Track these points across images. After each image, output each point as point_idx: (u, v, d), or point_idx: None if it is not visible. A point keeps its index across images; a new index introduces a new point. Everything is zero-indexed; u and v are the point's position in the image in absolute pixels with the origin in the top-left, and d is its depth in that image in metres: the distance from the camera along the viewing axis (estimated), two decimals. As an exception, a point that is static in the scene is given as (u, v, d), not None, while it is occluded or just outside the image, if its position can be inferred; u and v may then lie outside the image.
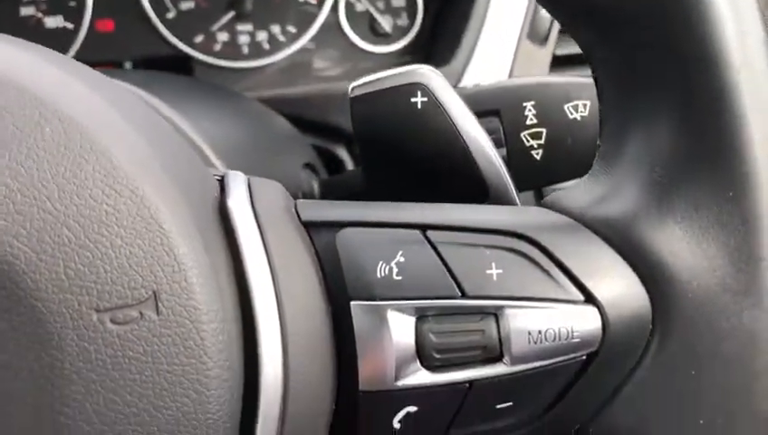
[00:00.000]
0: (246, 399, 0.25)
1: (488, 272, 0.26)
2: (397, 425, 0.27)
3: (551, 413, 0.27)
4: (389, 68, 0.84)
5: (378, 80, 0.33)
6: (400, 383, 0.26)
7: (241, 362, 0.24)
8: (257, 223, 0.26)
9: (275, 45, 0.75)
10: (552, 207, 0.28)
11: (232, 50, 0.75)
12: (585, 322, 0.26)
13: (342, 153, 0.65)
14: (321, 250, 0.27)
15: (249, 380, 0.25)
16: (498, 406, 0.26)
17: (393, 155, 0.33)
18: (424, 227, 0.27)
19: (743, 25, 0.25)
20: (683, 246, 0.25)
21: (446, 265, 0.26)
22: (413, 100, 0.32)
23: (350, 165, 0.65)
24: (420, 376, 0.26)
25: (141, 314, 0.23)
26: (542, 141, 0.39)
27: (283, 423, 0.25)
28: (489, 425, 0.27)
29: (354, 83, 0.33)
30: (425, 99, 0.32)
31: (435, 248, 0.26)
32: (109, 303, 0.22)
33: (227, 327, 0.24)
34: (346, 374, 0.26)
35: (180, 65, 0.72)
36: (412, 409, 0.26)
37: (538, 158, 0.39)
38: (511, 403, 0.26)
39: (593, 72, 0.29)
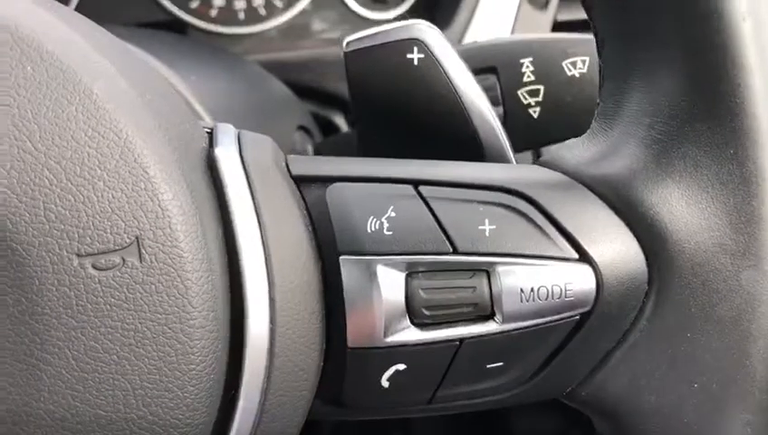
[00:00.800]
0: (232, 351, 0.24)
1: (481, 228, 0.25)
2: (385, 383, 0.26)
3: (541, 374, 0.26)
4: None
5: (374, 35, 0.32)
6: (389, 340, 0.25)
7: (227, 313, 0.24)
8: (245, 174, 0.25)
9: (271, 11, 0.74)
10: (548, 165, 0.28)
11: (228, 15, 0.73)
12: (579, 280, 0.25)
13: (338, 119, 0.64)
14: (311, 205, 0.27)
15: (235, 332, 0.24)
16: (488, 365, 0.26)
17: (387, 112, 0.33)
18: (416, 183, 0.26)
19: None
20: (681, 205, 0.25)
21: (437, 220, 0.25)
22: (409, 56, 0.32)
23: (345, 130, 0.64)
24: (409, 333, 0.25)
25: (124, 259, 0.22)
26: (539, 99, 0.38)
27: (269, 378, 0.24)
28: (479, 385, 0.26)
29: (349, 38, 0.32)
30: (421, 55, 0.32)
31: (427, 203, 0.26)
32: (90, 247, 0.22)
33: (213, 277, 0.23)
34: (334, 330, 0.26)
35: (176, 31, 0.71)
36: (401, 367, 0.26)
37: (535, 116, 0.38)
38: (501, 363, 0.26)
39: (594, 31, 0.28)
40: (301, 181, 0.27)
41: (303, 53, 0.68)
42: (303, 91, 0.64)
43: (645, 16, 0.25)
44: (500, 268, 0.25)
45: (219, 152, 0.25)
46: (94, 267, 0.22)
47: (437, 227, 0.25)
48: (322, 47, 0.72)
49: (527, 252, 0.25)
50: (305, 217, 0.26)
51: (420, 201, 0.26)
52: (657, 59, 0.25)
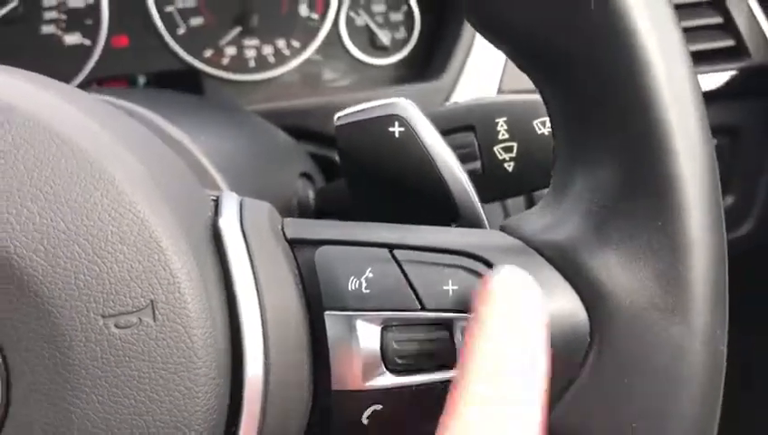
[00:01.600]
0: (232, 396, 0.28)
1: (445, 288, 0.29)
2: (365, 421, 0.30)
3: None
4: (390, 79, 0.86)
5: (361, 111, 0.37)
6: (367, 384, 0.29)
7: (228, 363, 0.28)
8: (245, 241, 0.30)
9: (280, 59, 0.79)
10: (507, 230, 0.32)
11: (239, 63, 0.78)
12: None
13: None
14: (303, 265, 0.31)
15: (235, 379, 0.28)
16: None
17: (373, 176, 0.37)
18: (391, 247, 0.30)
19: (670, 66, 0.28)
20: (618, 269, 0.29)
21: (408, 280, 0.29)
22: (391, 129, 0.36)
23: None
24: (385, 378, 0.29)
25: (140, 319, 0.26)
26: (513, 154, 0.42)
27: (264, 417, 0.29)
28: None
29: (339, 113, 0.37)
30: (402, 128, 0.36)
31: (400, 266, 0.30)
32: (113, 310, 0.26)
33: (215, 333, 0.28)
34: (321, 375, 0.30)
35: (191, 79, 0.75)
36: (378, 407, 0.30)
37: (510, 169, 0.42)
38: None
39: (548, 116, 0.32)
40: (294, 244, 0.31)
41: (310, 100, 0.73)
42: (307, 135, 0.69)
43: (585, 106, 0.29)
44: (459, 323, 0.29)
45: (222, 223, 0.30)
46: (116, 326, 0.26)
47: (408, 286, 0.29)
48: (330, 94, 0.77)
49: None
50: (296, 277, 0.31)
51: (395, 264, 0.30)
52: (599, 148, 0.29)
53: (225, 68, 0.78)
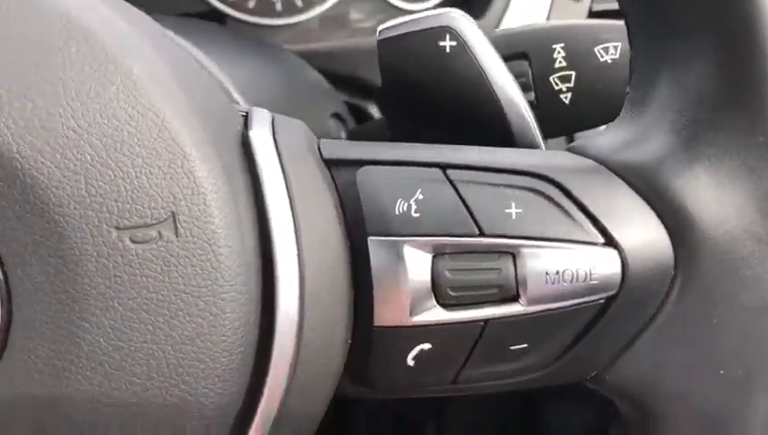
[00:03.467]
0: (262, 327, 0.25)
1: (507, 211, 0.26)
2: (411, 362, 0.27)
3: (565, 358, 0.27)
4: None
5: (407, 22, 0.33)
6: (415, 320, 0.26)
7: (258, 290, 0.25)
8: (278, 156, 0.26)
9: (309, 3, 0.75)
10: (577, 151, 0.28)
11: (266, 7, 0.74)
12: (604, 264, 0.25)
13: (372, 108, 0.64)
14: (342, 187, 0.27)
15: (265, 309, 0.25)
16: (512, 347, 0.26)
17: (418, 99, 0.33)
18: (444, 166, 0.27)
19: None
20: (709, 191, 0.25)
21: (464, 203, 0.26)
22: (441, 43, 0.32)
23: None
24: (435, 313, 0.26)
25: (160, 233, 0.23)
26: (571, 85, 0.38)
27: (298, 353, 0.25)
28: (503, 366, 0.27)
29: (382, 26, 0.33)
30: (453, 43, 0.32)
31: (454, 187, 0.26)
32: (128, 221, 0.23)
33: (245, 254, 0.24)
34: (362, 309, 0.26)
35: (215, 21, 0.72)
36: (426, 346, 0.26)
37: (567, 102, 0.38)
38: (525, 345, 0.26)
39: (625, 18, 0.28)
40: (332, 164, 0.28)
41: (339, 42, 0.69)
42: (338, 81, 0.65)
43: (676, 6, 0.25)
44: (525, 251, 0.25)
45: (253, 134, 0.26)
46: (132, 240, 0.23)
47: (464, 209, 0.26)
48: (358, 37, 0.72)
49: (553, 235, 0.25)
50: (335, 199, 0.27)
51: (448, 184, 0.26)
52: (688, 47, 0.25)
53: (251, 11, 0.74)
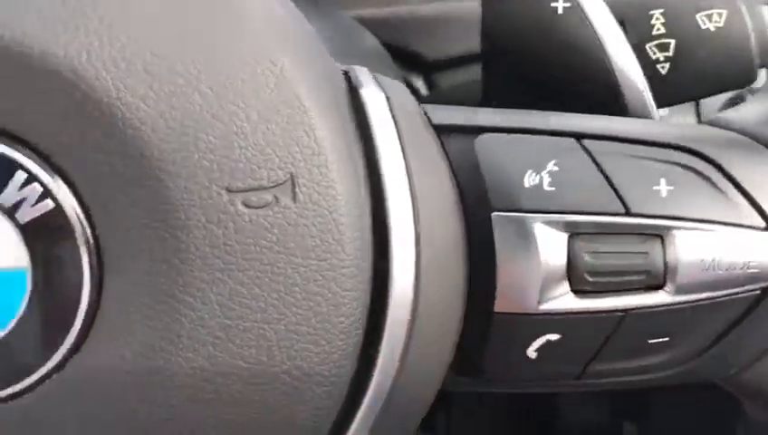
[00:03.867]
0: (373, 310, 0.22)
1: (656, 188, 0.23)
2: (532, 354, 0.24)
3: (708, 353, 0.24)
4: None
5: (515, -19, 0.30)
6: (544, 307, 0.23)
7: (372, 266, 0.22)
8: (393, 118, 0.23)
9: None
10: (722, 124, 0.25)
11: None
12: (764, 251, 0.22)
13: (418, 83, 0.61)
14: (455, 156, 0.24)
15: (378, 289, 0.22)
16: (651, 341, 0.23)
17: (524, 64, 0.30)
18: (579, 136, 0.24)
19: None
20: None
21: (606, 177, 0.23)
22: (553, 4, 0.29)
23: (425, 94, 0.61)
24: (567, 301, 0.23)
25: (276, 198, 0.20)
26: (669, 54, 0.35)
27: (410, 339, 0.22)
28: (636, 362, 0.24)
29: (488, -18, 0.30)
30: (567, 4, 0.29)
31: (593, 159, 0.23)
32: (242, 183, 0.20)
33: (364, 225, 0.21)
34: (480, 293, 0.24)
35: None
36: (553, 337, 0.23)
37: (664, 72, 0.35)
38: (666, 339, 0.23)
39: None
40: (443, 131, 0.25)
41: (390, 9, 0.65)
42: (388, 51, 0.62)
43: None
44: (677, 233, 0.22)
45: (366, 94, 0.23)
46: (245, 205, 0.20)
47: (607, 184, 0.23)
48: (414, 3, 0.69)
49: (708, 217, 0.22)
50: (449, 169, 0.24)
51: (586, 156, 0.23)
52: None
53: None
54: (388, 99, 0.24)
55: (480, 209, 0.23)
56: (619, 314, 0.23)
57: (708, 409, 0.43)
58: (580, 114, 0.25)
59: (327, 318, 0.20)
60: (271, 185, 0.20)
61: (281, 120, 0.20)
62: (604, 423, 0.49)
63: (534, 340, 0.24)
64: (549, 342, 0.24)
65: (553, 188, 0.23)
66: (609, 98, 0.30)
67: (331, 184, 0.20)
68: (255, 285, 0.20)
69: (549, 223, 0.23)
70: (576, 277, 0.23)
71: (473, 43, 0.37)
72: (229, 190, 0.20)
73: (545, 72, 0.30)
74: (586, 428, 0.49)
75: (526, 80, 0.31)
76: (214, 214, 0.20)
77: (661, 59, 0.36)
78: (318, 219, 0.20)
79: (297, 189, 0.20)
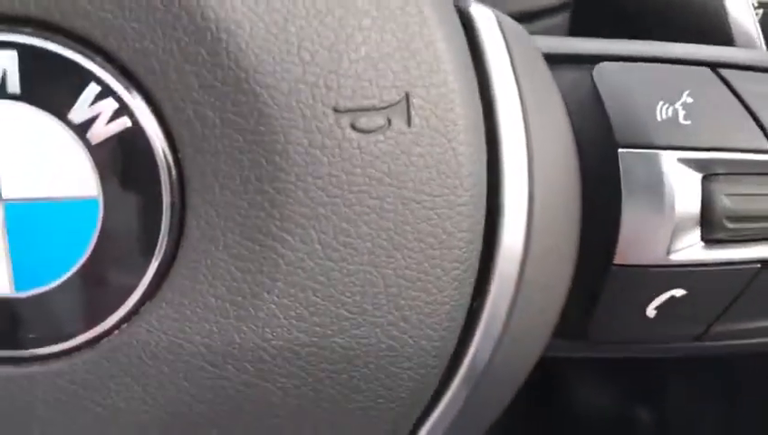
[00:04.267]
0: (482, 255, 0.19)
1: None
2: (651, 313, 0.21)
3: None
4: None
5: None
6: (673, 258, 0.20)
7: (486, 207, 0.19)
8: (504, 39, 0.20)
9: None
10: None
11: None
12: None
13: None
14: (568, 88, 0.21)
15: (487, 231, 0.19)
16: None
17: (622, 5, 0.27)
18: (714, 65, 0.21)
19: None
20: None
21: (749, 110, 0.20)
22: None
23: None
24: (699, 251, 0.20)
25: (389, 121, 0.17)
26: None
27: (517, 293, 0.20)
28: (766, 321, 0.22)
29: None
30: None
31: (733, 90, 0.20)
32: (350, 102, 0.17)
33: (481, 157, 0.18)
34: (598, 241, 0.21)
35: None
36: (678, 292, 0.21)
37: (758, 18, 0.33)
38: None
39: None
40: (552, 61, 0.22)
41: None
42: None
43: None
44: None
45: (474, 11, 0.20)
46: (353, 128, 0.17)
47: (750, 117, 0.20)
48: None
49: None
50: (563, 102, 0.21)
51: (724, 87, 0.20)
52: None
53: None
54: (498, 20, 0.21)
55: (601, 146, 0.21)
56: (756, 265, 0.20)
57: (722, 394, 0.42)
58: (704, 45, 0.22)
59: (439, 263, 0.18)
60: (383, 105, 0.17)
61: (396, 28, 0.17)
62: (618, 409, 0.47)
63: (656, 296, 0.21)
64: (672, 298, 0.21)
65: (688, 122, 0.20)
66: (715, 32, 0.27)
67: (451, 107, 0.17)
68: (363, 223, 0.17)
69: (683, 161, 0.20)
70: (711, 224, 0.20)
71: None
72: (336, 110, 0.17)
73: (647, 7, 0.27)
74: (600, 414, 0.48)
75: (627, 19, 0.28)
76: (318, 137, 0.17)
77: (755, 4, 0.33)
78: (435, 148, 0.17)
79: (412, 111, 0.17)
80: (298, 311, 0.17)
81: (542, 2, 0.49)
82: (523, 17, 0.51)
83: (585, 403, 0.49)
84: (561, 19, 0.45)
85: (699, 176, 0.20)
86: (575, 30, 0.29)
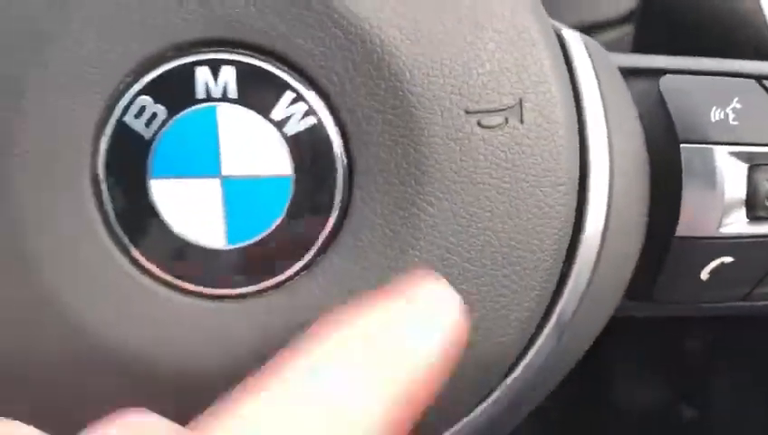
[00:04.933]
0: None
1: None
2: (705, 276, 0.26)
3: None
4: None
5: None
6: (723, 231, 0.25)
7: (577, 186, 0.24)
8: (588, 54, 0.26)
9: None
10: None
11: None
12: None
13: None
14: (638, 95, 0.27)
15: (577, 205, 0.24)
16: None
17: (681, 26, 0.32)
18: (759, 77, 0.26)
19: None
20: None
21: None
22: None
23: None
24: (744, 226, 0.25)
25: (507, 120, 0.23)
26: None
27: (599, 258, 0.25)
28: None
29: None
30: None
31: None
32: (478, 105, 0.22)
33: (575, 147, 0.24)
34: (663, 218, 0.26)
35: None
36: (727, 259, 0.26)
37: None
38: None
39: None
40: (625, 73, 0.27)
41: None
42: None
43: None
44: None
45: (566, 34, 0.26)
46: (479, 125, 0.22)
47: None
48: None
49: None
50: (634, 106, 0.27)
51: (767, 95, 0.25)
52: None
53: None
54: (584, 42, 0.26)
55: (666, 142, 0.26)
56: None
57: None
58: (752, 60, 0.27)
59: (542, 229, 0.23)
60: (502, 108, 0.22)
61: (513, 49, 0.23)
62: (662, 405, 0.50)
63: (709, 262, 0.26)
64: (722, 264, 0.26)
65: (737, 123, 0.25)
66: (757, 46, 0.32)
67: (553, 110, 0.23)
68: (485, 197, 0.23)
69: (732, 154, 0.25)
70: (754, 204, 0.25)
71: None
72: (467, 111, 0.22)
73: (701, 31, 0.32)
74: (644, 411, 0.51)
75: (682, 39, 0.33)
76: (453, 132, 0.22)
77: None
78: (542, 141, 0.23)
79: (524, 113, 0.23)
80: (434, 263, 0.23)
81: (604, 15, 0.53)
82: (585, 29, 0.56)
83: (630, 397, 0.52)
84: (619, 33, 0.50)
85: (746, 166, 0.25)
86: (638, 41, 0.34)
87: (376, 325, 0.18)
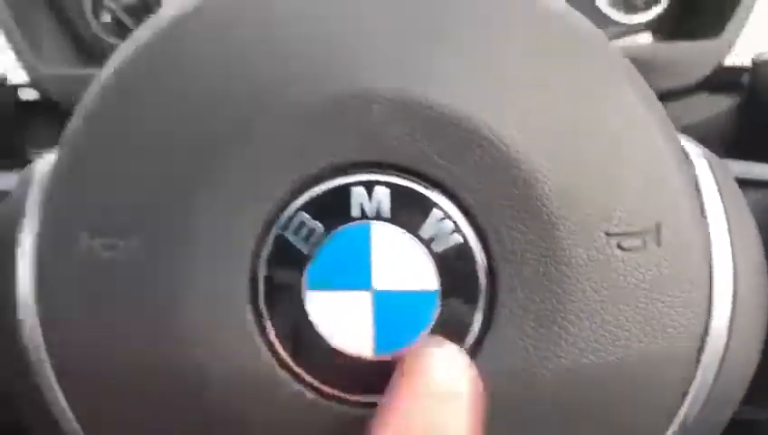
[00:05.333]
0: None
1: None
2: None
3: None
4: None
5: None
6: None
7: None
8: (712, 171, 0.26)
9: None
10: None
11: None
12: None
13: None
14: (752, 203, 0.28)
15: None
16: None
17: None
18: None
19: None
20: None
21: None
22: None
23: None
24: None
25: (645, 242, 0.24)
26: None
27: (719, 375, 0.25)
28: None
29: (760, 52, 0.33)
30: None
31: None
32: (618, 228, 0.23)
33: (706, 271, 0.25)
34: None
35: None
36: None
37: None
38: None
39: None
40: (741, 183, 0.28)
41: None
42: None
43: None
44: None
45: (689, 148, 0.27)
46: (619, 247, 0.23)
47: None
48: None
49: None
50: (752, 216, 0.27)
51: None
52: None
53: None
54: (705, 156, 0.27)
55: None
56: None
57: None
58: None
59: (673, 349, 0.24)
60: (642, 231, 0.23)
61: (651, 176, 0.24)
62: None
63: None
64: None
65: None
66: None
67: (687, 231, 0.24)
68: (623, 317, 0.23)
69: None
70: None
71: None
72: (608, 234, 0.23)
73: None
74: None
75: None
76: (594, 253, 0.23)
77: None
78: (676, 263, 0.24)
79: (662, 236, 0.24)
80: (576, 374, 0.24)
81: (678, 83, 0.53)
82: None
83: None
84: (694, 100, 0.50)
85: None
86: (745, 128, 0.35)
87: None
